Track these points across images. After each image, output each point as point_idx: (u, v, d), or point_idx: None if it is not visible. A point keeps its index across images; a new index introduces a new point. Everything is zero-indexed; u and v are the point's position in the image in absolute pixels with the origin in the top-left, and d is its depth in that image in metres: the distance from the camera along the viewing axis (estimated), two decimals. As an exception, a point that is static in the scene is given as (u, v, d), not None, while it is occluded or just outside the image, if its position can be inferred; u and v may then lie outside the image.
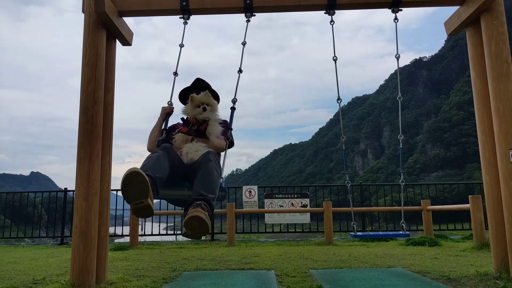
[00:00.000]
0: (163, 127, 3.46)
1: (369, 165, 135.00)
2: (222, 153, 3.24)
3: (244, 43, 3.79)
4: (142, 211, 2.28)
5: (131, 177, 2.20)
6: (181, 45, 3.86)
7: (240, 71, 3.61)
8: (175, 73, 3.73)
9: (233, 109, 3.44)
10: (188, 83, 3.91)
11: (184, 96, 3.59)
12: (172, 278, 3.99)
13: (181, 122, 3.40)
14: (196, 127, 3.02)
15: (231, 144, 3.32)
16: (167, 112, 3.46)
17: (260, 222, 9.47)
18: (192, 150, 2.82)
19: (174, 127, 3.44)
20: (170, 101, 3.58)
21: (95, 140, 3.59)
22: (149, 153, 2.99)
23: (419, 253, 5.73)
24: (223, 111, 3.62)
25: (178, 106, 3.62)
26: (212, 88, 3.56)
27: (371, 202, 11.42)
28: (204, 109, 3.19)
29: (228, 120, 3.44)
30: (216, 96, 3.54)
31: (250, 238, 9.68)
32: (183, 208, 2.92)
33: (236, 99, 3.48)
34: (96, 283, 3.52)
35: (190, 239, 9.84)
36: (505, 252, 3.50)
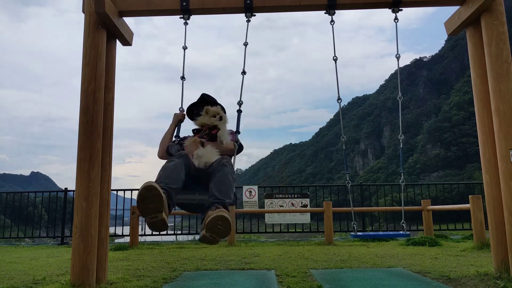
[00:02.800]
0: (175, 134, 3.51)
1: (369, 165, 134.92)
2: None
3: (246, 44, 3.80)
4: (157, 225, 2.32)
5: (147, 191, 2.23)
6: (184, 47, 3.90)
7: (243, 72, 3.63)
8: (183, 78, 3.77)
9: (239, 111, 3.47)
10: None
11: (191, 112, 3.60)
12: (173, 278, 3.99)
13: (191, 134, 3.46)
14: (208, 131, 3.14)
15: (240, 148, 3.39)
16: (179, 119, 3.48)
17: (260, 222, 9.47)
18: (206, 154, 2.89)
19: (185, 138, 3.41)
20: (182, 107, 3.60)
21: (95, 140, 3.59)
22: (160, 159, 3.18)
23: (419, 253, 5.73)
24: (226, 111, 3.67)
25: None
26: (219, 102, 3.55)
27: (371, 202, 11.42)
28: (220, 119, 3.29)
29: (234, 129, 3.48)
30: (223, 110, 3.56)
31: (250, 238, 9.68)
32: (190, 211, 3.13)
33: (241, 101, 3.51)
34: (96, 283, 3.52)
35: (190, 239, 9.80)
36: (506, 252, 3.50)
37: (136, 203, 2.30)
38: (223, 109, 3.50)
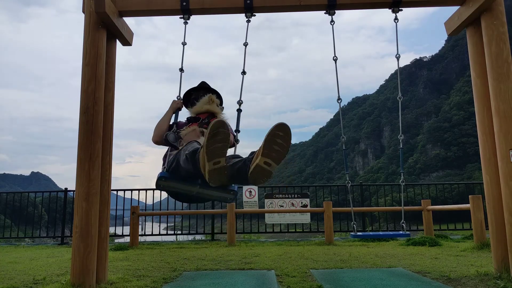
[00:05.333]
0: (171, 122, 3.54)
1: (369, 165, 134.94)
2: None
3: (246, 44, 3.81)
4: (219, 172, 2.22)
5: (220, 124, 2.14)
6: (184, 43, 3.89)
7: (243, 72, 3.64)
8: (181, 70, 3.76)
9: (239, 111, 3.49)
10: (189, 83, 3.94)
11: (188, 96, 3.66)
12: (173, 278, 3.99)
13: (184, 121, 3.51)
14: (207, 120, 3.15)
15: (235, 141, 3.43)
16: (178, 107, 3.49)
17: (260, 222, 9.47)
18: None
19: (179, 124, 3.46)
20: (179, 96, 3.61)
21: (95, 140, 3.59)
22: (154, 144, 3.24)
23: (419, 253, 5.73)
24: (224, 110, 3.71)
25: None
26: (217, 91, 3.66)
27: (371, 202, 11.42)
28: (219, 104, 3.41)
29: (233, 123, 3.52)
30: (220, 99, 3.70)
31: (251, 238, 9.68)
32: (187, 202, 3.25)
33: (241, 101, 3.52)
34: (97, 283, 3.52)
35: (190, 239, 9.83)
36: (506, 252, 3.50)
37: (206, 140, 2.18)
38: (220, 97, 3.61)
